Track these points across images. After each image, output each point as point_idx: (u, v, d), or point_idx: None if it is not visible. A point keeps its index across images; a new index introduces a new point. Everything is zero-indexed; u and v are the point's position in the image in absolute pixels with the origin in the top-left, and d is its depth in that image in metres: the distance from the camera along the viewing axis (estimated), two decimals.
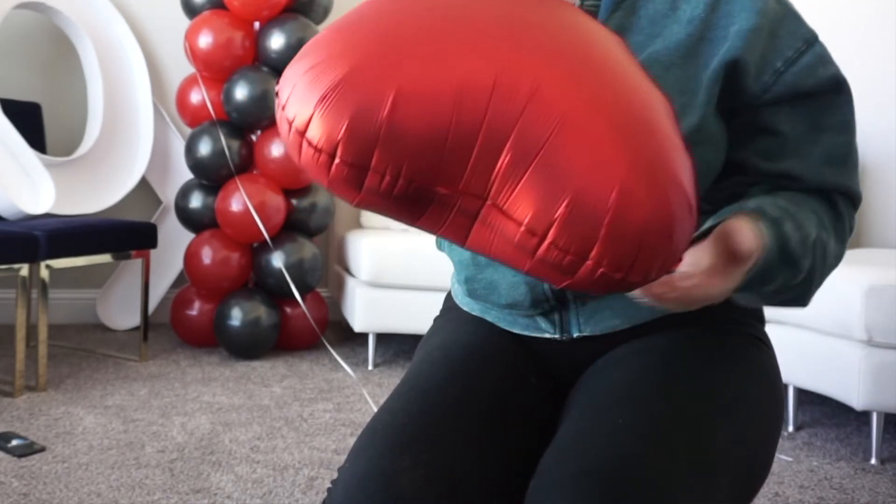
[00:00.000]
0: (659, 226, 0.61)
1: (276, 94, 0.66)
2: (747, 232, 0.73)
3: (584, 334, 0.92)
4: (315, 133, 0.61)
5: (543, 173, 0.60)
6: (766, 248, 0.76)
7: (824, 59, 0.88)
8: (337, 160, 0.61)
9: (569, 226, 0.60)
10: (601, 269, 0.61)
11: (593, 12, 0.90)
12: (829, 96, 0.88)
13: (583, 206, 0.60)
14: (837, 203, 0.89)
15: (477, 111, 0.60)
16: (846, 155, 0.89)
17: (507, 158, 0.61)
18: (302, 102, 0.62)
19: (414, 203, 0.63)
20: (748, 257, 0.73)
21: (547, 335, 0.94)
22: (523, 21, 0.65)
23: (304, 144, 0.63)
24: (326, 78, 0.61)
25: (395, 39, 0.63)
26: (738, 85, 0.86)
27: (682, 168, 0.64)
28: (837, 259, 0.88)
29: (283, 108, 0.64)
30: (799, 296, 0.85)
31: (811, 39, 0.88)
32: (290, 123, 0.63)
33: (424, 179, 0.61)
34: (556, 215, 0.60)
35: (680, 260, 0.65)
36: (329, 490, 0.81)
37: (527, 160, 0.60)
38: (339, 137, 0.60)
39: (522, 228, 0.61)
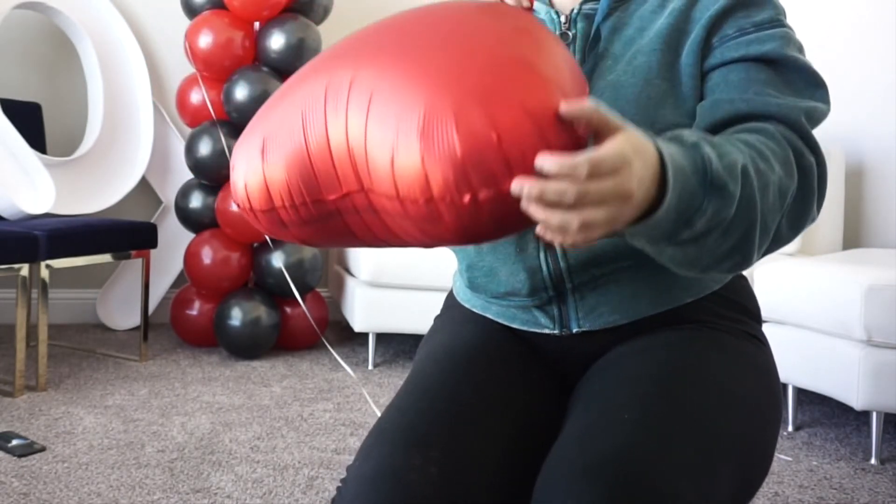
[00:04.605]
0: (475, 140, 0.62)
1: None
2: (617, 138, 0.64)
3: (584, 329, 0.93)
4: (237, 200, 0.78)
5: (373, 138, 0.66)
6: (673, 162, 0.68)
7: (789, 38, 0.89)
8: (256, 212, 0.75)
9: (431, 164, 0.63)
10: (451, 199, 0.63)
11: (591, 15, 0.95)
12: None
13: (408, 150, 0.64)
14: (776, 134, 0.82)
15: (321, 122, 0.70)
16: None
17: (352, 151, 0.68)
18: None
19: (327, 220, 0.73)
20: (617, 156, 0.63)
21: (546, 330, 0.95)
22: (407, 28, 0.72)
23: (243, 210, 0.78)
24: (235, 151, 0.79)
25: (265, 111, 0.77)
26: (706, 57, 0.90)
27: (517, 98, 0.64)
28: (784, 194, 0.78)
29: None
30: (744, 237, 0.75)
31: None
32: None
33: (315, 195, 0.71)
34: (397, 174, 0.66)
35: (530, 162, 0.62)
36: (339, 489, 0.81)
37: (362, 144, 0.67)
38: (243, 196, 0.75)
39: (396, 198, 0.66)
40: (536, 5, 0.99)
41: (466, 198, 0.63)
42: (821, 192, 0.85)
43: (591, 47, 0.93)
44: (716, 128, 0.85)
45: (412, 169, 0.63)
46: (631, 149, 0.64)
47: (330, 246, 0.77)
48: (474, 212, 0.63)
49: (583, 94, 0.70)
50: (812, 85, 0.88)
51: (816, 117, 0.86)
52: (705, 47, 0.89)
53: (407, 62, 0.67)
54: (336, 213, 0.72)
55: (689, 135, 0.74)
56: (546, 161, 0.61)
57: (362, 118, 0.66)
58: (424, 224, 0.66)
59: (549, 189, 0.61)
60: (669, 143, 0.71)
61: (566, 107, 0.64)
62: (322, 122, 0.69)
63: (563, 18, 0.96)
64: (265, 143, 0.73)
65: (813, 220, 0.84)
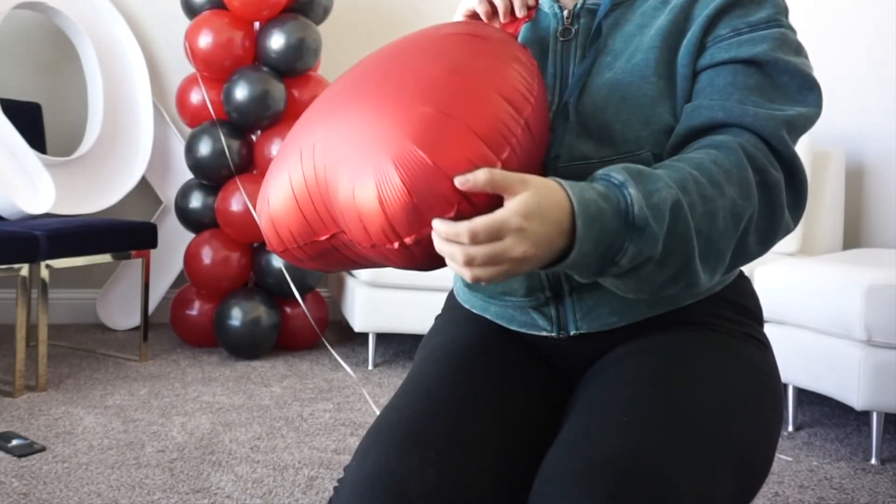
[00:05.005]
0: (393, 201, 0.73)
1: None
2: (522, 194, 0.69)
3: (582, 332, 0.93)
4: (266, 243, 0.93)
5: (338, 194, 0.79)
6: (586, 211, 0.70)
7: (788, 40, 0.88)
8: (277, 252, 0.91)
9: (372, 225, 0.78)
10: (375, 244, 0.77)
11: (595, 10, 0.95)
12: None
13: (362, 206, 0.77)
14: (741, 153, 0.82)
15: (300, 178, 0.84)
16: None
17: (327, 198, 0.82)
18: None
19: (329, 254, 0.87)
20: (515, 214, 0.68)
21: (544, 333, 0.95)
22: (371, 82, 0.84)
23: (271, 251, 0.93)
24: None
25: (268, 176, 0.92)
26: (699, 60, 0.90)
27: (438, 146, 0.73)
28: (739, 216, 0.79)
29: None
30: (684, 266, 0.76)
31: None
32: None
33: (310, 237, 0.85)
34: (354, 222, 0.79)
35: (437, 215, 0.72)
36: (336, 489, 0.81)
37: (329, 198, 0.81)
38: (267, 240, 0.91)
39: (358, 243, 0.81)
40: (541, 1, 0.99)
41: (396, 244, 0.75)
42: (795, 204, 0.84)
43: (591, 42, 0.92)
44: (692, 133, 0.86)
45: (356, 224, 0.77)
46: (522, 214, 0.68)
47: (343, 270, 0.92)
48: (407, 253, 0.76)
49: (526, 139, 0.77)
50: (804, 88, 0.86)
51: (801, 125, 0.85)
52: (700, 47, 0.89)
53: (352, 132, 0.79)
54: (332, 249, 0.86)
55: (619, 173, 0.74)
56: (436, 224, 0.71)
57: (324, 180, 0.82)
58: (382, 259, 0.81)
59: (442, 249, 0.70)
60: (592, 185, 0.73)
61: (459, 181, 0.70)
62: (302, 179, 0.84)
63: (566, 13, 0.96)
64: (269, 197, 0.89)
65: (787, 231, 0.84)
